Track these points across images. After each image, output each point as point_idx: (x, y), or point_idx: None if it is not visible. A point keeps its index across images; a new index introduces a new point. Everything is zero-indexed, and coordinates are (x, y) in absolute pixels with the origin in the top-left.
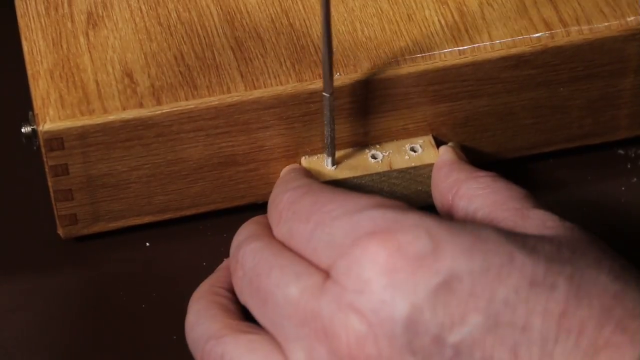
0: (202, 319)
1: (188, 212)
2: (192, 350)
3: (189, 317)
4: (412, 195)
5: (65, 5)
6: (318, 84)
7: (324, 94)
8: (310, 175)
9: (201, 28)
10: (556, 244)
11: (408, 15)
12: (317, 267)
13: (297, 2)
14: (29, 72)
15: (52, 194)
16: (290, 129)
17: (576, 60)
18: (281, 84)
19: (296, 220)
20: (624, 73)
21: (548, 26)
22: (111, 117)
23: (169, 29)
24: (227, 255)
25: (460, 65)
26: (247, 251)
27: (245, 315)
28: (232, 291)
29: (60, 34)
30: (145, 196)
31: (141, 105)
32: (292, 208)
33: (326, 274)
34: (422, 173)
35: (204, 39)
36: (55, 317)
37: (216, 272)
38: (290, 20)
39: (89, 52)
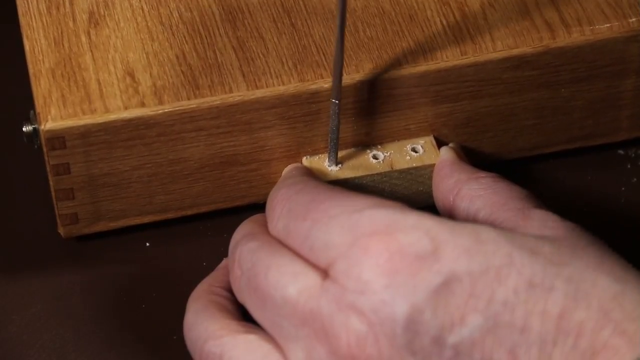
0: (200, 319)
1: (189, 212)
2: (191, 350)
3: (187, 317)
4: (413, 196)
5: (67, 4)
6: (320, 84)
7: (332, 100)
8: (310, 173)
9: (203, 27)
10: (556, 244)
11: (410, 15)
12: (314, 266)
13: (298, 2)
14: (31, 71)
15: (53, 193)
16: (292, 129)
17: (578, 61)
18: (283, 84)
19: (292, 217)
20: (625, 74)
21: (550, 27)
22: (113, 117)
23: (171, 29)
24: (226, 255)
25: (461, 66)
26: (244, 250)
27: (243, 315)
28: (230, 291)
29: (62, 33)
30: (146, 196)
31: (143, 105)
32: (286, 205)
33: (324, 273)
34: (423, 173)
35: (206, 38)
36: (55, 317)
37: (215, 272)
38: (292, 20)
39: (91, 51)
